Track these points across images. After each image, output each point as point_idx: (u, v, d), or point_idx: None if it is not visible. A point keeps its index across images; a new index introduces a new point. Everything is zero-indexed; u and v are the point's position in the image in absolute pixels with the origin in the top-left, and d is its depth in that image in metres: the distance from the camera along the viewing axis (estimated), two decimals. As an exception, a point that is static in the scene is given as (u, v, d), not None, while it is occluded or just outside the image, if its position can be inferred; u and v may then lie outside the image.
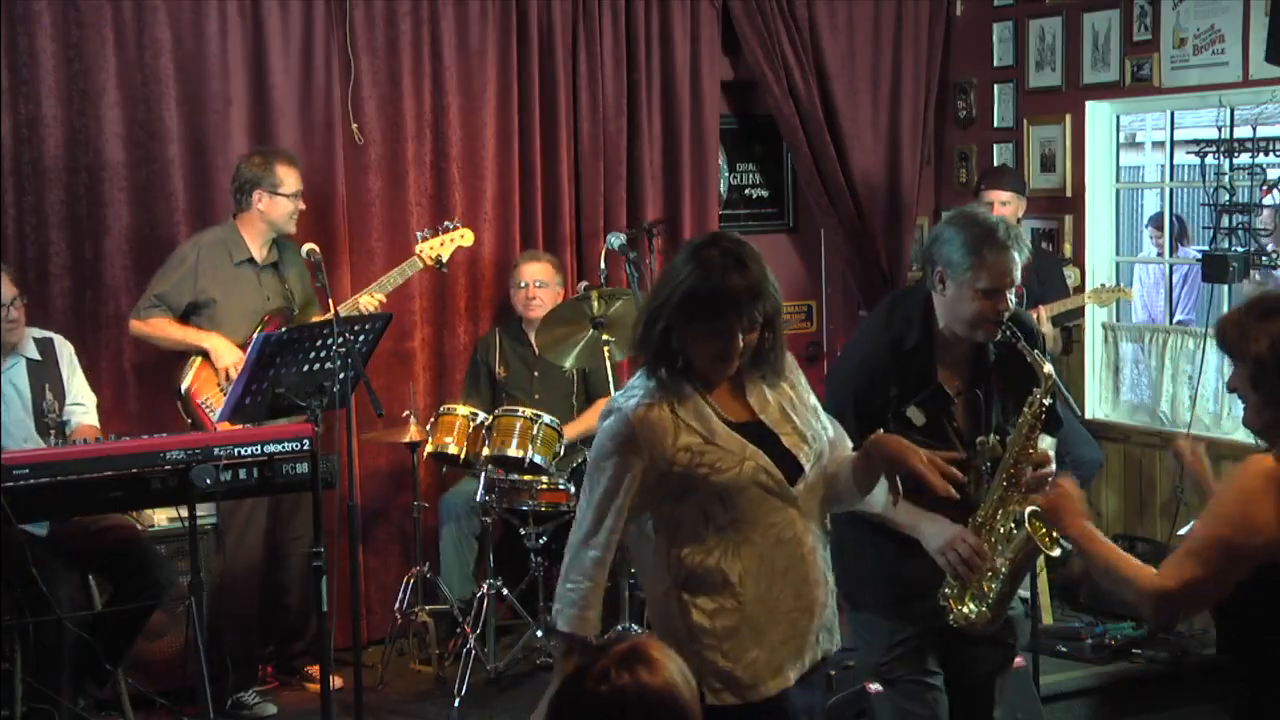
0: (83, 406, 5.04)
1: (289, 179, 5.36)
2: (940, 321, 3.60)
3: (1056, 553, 3.47)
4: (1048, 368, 3.53)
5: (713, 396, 3.05)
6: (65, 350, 5.08)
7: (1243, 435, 6.05)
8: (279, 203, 5.35)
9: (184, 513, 4.30)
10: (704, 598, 3.01)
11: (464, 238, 5.73)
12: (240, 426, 4.70)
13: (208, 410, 5.26)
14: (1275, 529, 2.77)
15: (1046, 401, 3.52)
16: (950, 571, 3.49)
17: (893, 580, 3.63)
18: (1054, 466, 3.56)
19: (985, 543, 3.49)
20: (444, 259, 5.66)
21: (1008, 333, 3.52)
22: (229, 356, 5.24)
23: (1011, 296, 3.53)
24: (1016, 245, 3.51)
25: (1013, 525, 3.51)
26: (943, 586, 3.53)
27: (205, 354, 5.28)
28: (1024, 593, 6.20)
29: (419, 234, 5.70)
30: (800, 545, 3.07)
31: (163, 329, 5.32)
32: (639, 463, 2.97)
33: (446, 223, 5.74)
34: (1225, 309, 6.34)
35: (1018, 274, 3.53)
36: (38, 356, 4.96)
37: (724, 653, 3.01)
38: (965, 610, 3.52)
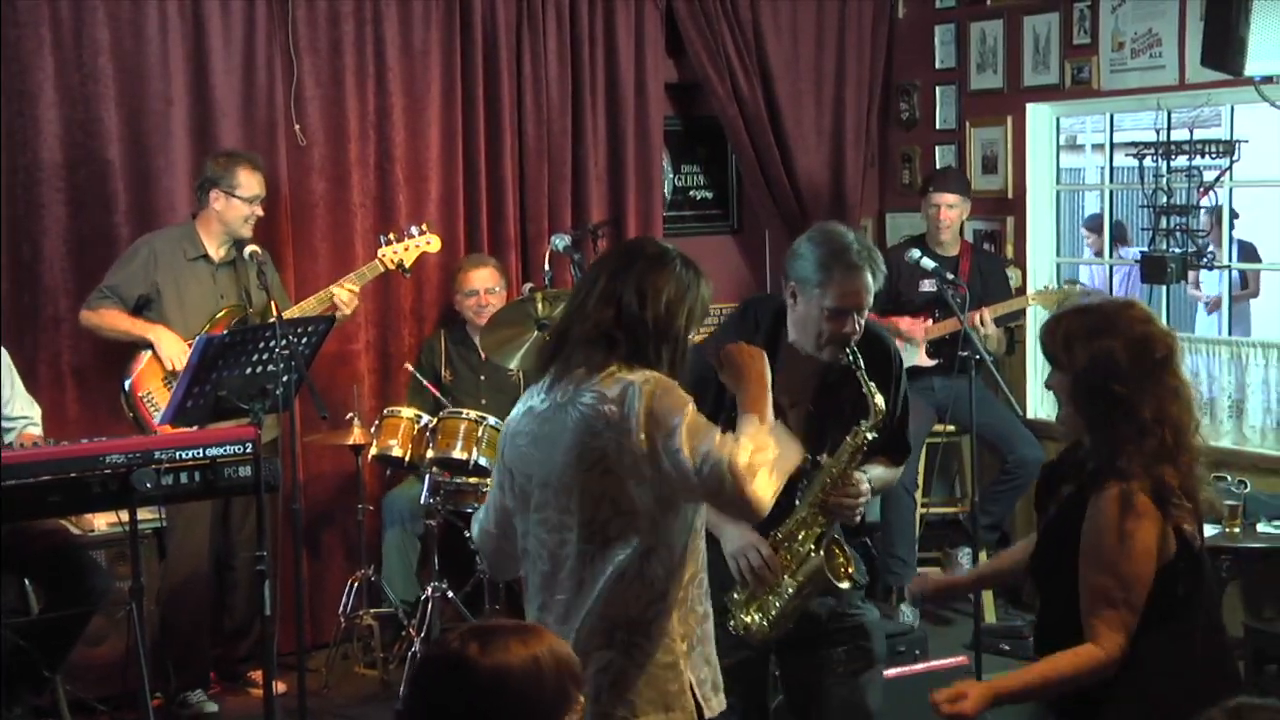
0: (28, 418, 4.96)
1: (248, 183, 5.33)
2: (790, 335, 3.58)
3: (845, 585, 3.52)
4: (879, 400, 3.48)
5: None
6: (3, 358, 4.99)
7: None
8: (234, 205, 5.32)
9: (125, 517, 4.25)
10: (698, 602, 2.99)
11: (430, 244, 5.68)
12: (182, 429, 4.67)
13: (149, 404, 5.22)
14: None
15: (870, 436, 3.48)
16: (739, 578, 3.49)
17: (722, 589, 3.55)
18: (865, 502, 3.54)
19: (781, 558, 3.49)
20: (407, 264, 5.63)
21: (849, 357, 3.48)
22: (173, 347, 5.20)
23: (860, 319, 3.49)
24: (870, 266, 3.47)
25: (811, 547, 3.51)
26: (731, 590, 3.52)
27: (151, 346, 5.25)
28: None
29: (382, 237, 5.66)
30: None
31: (111, 320, 5.29)
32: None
33: (413, 228, 5.69)
34: (1164, 309, 6.43)
35: (869, 296, 3.48)
36: None
37: (706, 657, 3.01)
38: (746, 619, 3.52)
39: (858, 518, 3.55)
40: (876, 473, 3.64)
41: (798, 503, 3.53)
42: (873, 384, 3.48)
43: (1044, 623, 3.14)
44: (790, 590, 3.50)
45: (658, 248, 3.04)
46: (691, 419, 2.83)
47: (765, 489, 2.80)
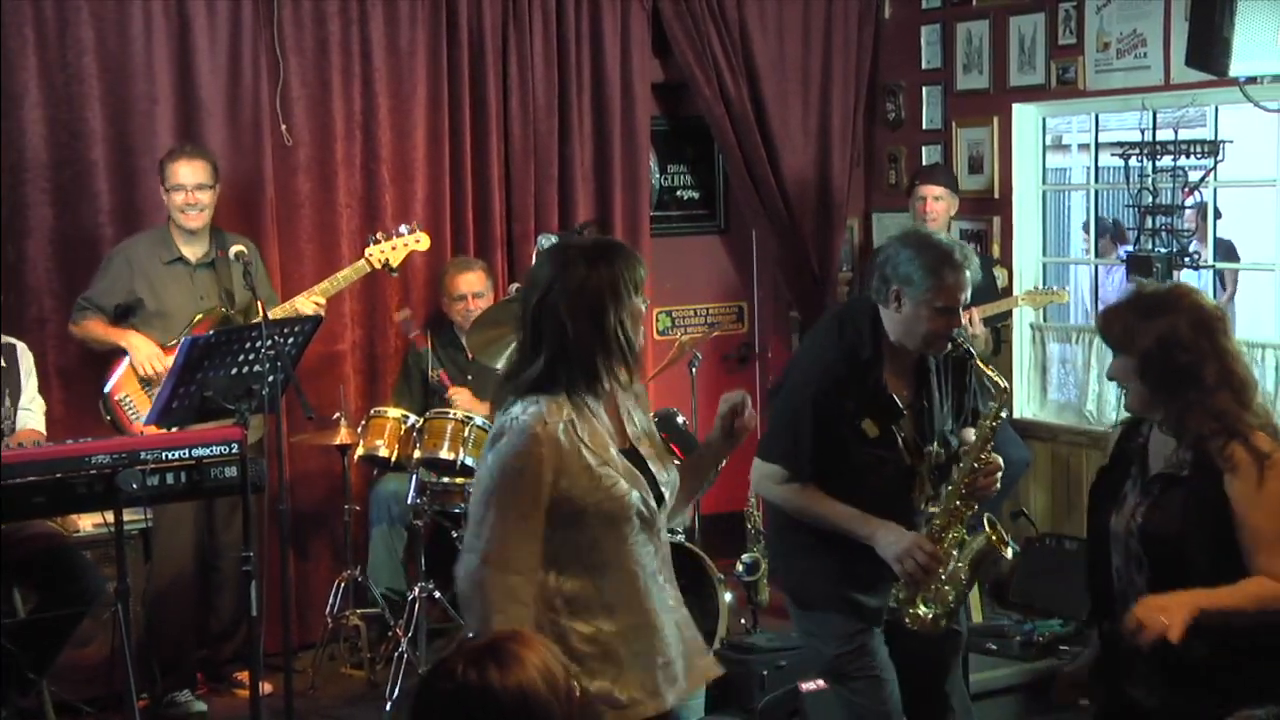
0: (30, 412, 4.99)
1: (174, 172, 5.28)
2: (891, 335, 3.69)
3: (1010, 554, 3.69)
4: (1001, 380, 3.66)
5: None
6: (27, 359, 5.05)
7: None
8: (170, 197, 5.31)
9: (110, 518, 4.24)
10: (581, 622, 2.96)
11: (419, 242, 5.65)
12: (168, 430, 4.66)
13: (125, 408, 5.21)
14: None
15: (1003, 415, 3.69)
16: (906, 578, 3.62)
17: (845, 579, 3.73)
18: (1001, 473, 3.71)
19: (939, 548, 3.63)
20: (394, 264, 5.60)
21: (963, 347, 3.67)
22: (145, 352, 5.20)
23: (962, 314, 3.67)
24: (969, 265, 3.66)
25: (964, 531, 3.67)
26: (895, 590, 3.67)
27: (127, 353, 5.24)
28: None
29: (371, 237, 5.63)
30: (660, 574, 3.07)
31: (91, 330, 5.31)
32: (546, 480, 2.90)
33: (402, 226, 5.67)
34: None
35: (970, 292, 3.69)
36: (2, 363, 4.91)
37: (600, 673, 2.97)
38: (920, 612, 3.67)
39: (994, 492, 3.73)
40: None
41: (939, 492, 3.72)
42: (989, 366, 3.69)
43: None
44: (965, 575, 3.66)
45: (557, 262, 2.97)
46: (506, 495, 2.89)
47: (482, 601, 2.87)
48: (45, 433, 5.00)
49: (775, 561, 4.23)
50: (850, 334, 3.74)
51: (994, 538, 3.63)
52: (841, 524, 3.67)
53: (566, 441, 2.90)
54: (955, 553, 3.66)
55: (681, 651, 3.07)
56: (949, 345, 3.67)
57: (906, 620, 3.68)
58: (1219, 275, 6.96)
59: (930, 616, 3.68)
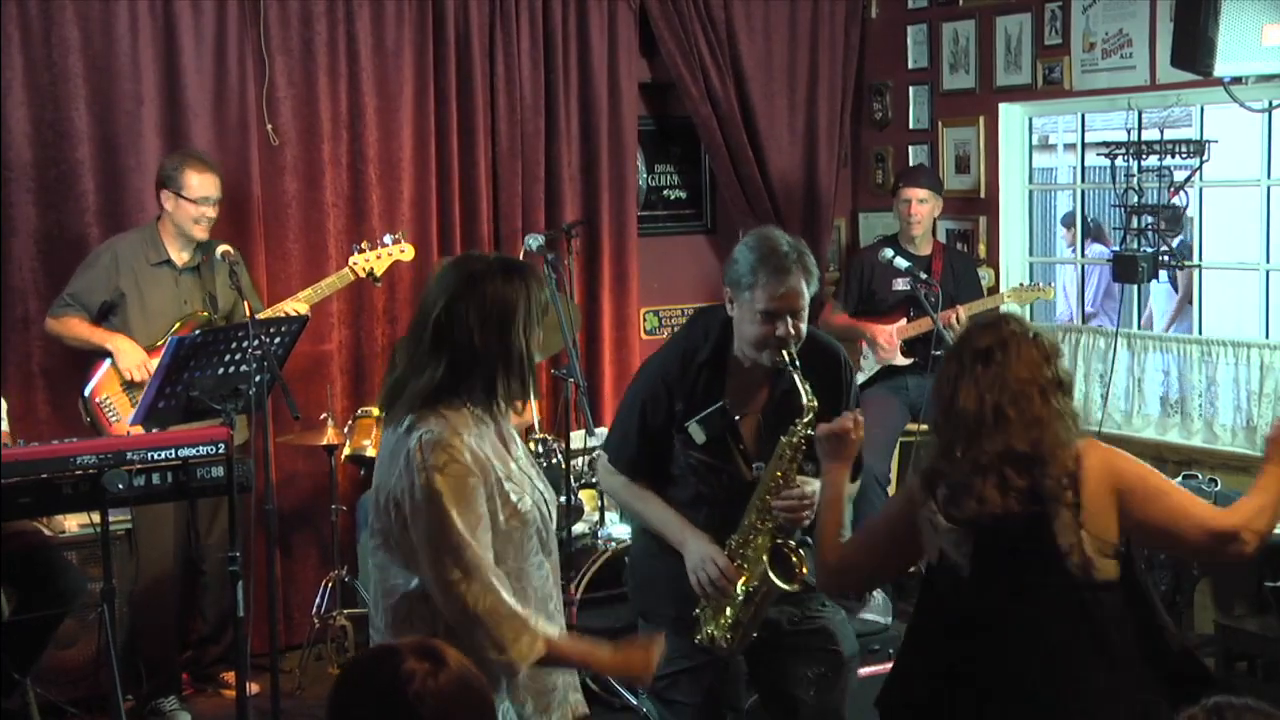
0: None
1: (196, 184, 5.27)
2: (734, 343, 3.52)
3: (793, 588, 3.44)
4: (810, 398, 3.40)
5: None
6: None
7: (1152, 433, 6.15)
8: (183, 206, 5.28)
9: (96, 519, 4.22)
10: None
11: (404, 253, 5.66)
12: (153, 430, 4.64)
13: (106, 410, 5.19)
14: None
15: (807, 433, 3.39)
16: (699, 591, 3.45)
17: (677, 597, 3.55)
18: (810, 504, 3.40)
19: (737, 567, 3.44)
20: (378, 273, 5.59)
21: (785, 357, 3.41)
22: (132, 357, 5.17)
23: (796, 323, 3.43)
24: (801, 269, 3.41)
25: (764, 552, 3.45)
26: (698, 603, 3.49)
27: (111, 356, 5.21)
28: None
29: (356, 245, 5.62)
30: (550, 600, 2.95)
31: (73, 328, 5.26)
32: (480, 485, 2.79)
33: (387, 236, 5.68)
34: (1134, 307, 6.46)
35: (801, 300, 3.43)
36: None
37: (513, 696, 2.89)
38: (711, 631, 3.50)
39: (805, 521, 3.43)
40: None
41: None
42: (807, 383, 3.41)
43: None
44: (741, 597, 3.45)
45: (466, 272, 2.88)
46: (461, 508, 2.72)
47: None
48: (8, 431, 4.96)
49: (628, 570, 4.01)
50: (696, 335, 3.60)
51: (792, 561, 3.40)
52: (659, 526, 3.55)
53: (478, 452, 2.81)
54: (750, 573, 3.44)
55: (542, 688, 2.95)
56: (780, 355, 3.40)
57: (698, 638, 3.49)
58: (1172, 276, 6.99)
59: (717, 637, 3.48)
